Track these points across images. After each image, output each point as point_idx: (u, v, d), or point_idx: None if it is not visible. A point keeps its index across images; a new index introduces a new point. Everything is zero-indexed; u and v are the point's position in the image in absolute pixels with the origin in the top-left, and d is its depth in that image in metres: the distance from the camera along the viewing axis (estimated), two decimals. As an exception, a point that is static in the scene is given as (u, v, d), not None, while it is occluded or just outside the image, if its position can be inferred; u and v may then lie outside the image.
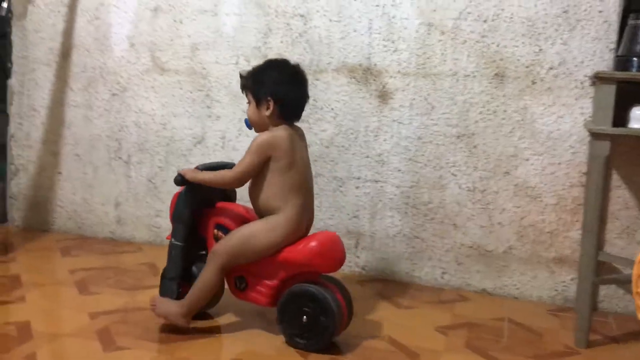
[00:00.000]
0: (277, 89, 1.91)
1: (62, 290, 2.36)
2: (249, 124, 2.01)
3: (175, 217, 2.06)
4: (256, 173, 1.94)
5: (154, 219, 2.99)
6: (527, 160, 2.47)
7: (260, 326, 2.12)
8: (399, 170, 2.63)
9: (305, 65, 2.67)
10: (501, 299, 2.53)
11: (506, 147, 2.49)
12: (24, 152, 3.16)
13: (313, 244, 1.91)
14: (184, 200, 2.04)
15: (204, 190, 2.05)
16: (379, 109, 2.63)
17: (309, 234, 2.01)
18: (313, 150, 2.70)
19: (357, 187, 2.69)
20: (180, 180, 2.00)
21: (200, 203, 2.08)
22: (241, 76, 2.01)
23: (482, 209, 2.53)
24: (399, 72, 2.58)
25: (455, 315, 2.32)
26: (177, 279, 2.05)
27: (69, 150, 3.09)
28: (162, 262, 2.16)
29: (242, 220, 2.02)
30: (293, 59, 2.66)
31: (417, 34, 2.55)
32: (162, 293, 2.07)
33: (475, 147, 2.52)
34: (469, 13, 2.48)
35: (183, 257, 2.05)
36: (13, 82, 3.14)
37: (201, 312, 2.10)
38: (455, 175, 2.56)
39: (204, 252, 2.09)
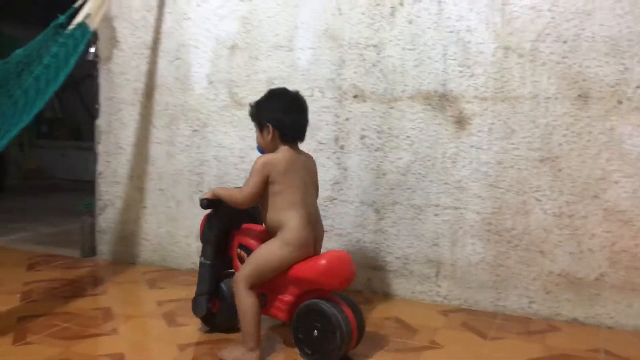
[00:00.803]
0: (275, 116, 2.07)
1: (151, 322, 2.43)
2: (260, 149, 2.14)
3: (203, 238, 2.23)
4: (262, 191, 2.05)
5: (234, 251, 3.05)
6: (617, 182, 2.36)
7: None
8: (479, 197, 2.57)
9: (379, 93, 2.70)
10: (594, 328, 2.41)
11: (593, 170, 2.39)
12: (111, 188, 3.32)
13: (322, 262, 1.99)
14: (210, 222, 2.19)
15: (231, 213, 2.18)
16: (456, 134, 2.59)
17: (321, 252, 2.10)
18: (389, 178, 2.70)
19: (436, 215, 2.65)
20: (206, 204, 2.14)
21: (227, 225, 2.21)
22: (250, 106, 2.17)
23: (570, 235, 2.43)
24: (476, 97, 2.55)
25: (547, 346, 2.23)
26: (207, 295, 2.20)
27: (153, 186, 3.22)
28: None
29: (263, 240, 2.10)
30: (367, 88, 2.72)
31: (493, 57, 2.51)
32: (194, 309, 2.24)
33: (560, 170, 2.44)
34: (547, 34, 2.42)
35: (212, 275, 2.21)
36: (100, 122, 3.32)
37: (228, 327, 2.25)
38: (539, 201, 2.48)
39: (232, 270, 2.20)
